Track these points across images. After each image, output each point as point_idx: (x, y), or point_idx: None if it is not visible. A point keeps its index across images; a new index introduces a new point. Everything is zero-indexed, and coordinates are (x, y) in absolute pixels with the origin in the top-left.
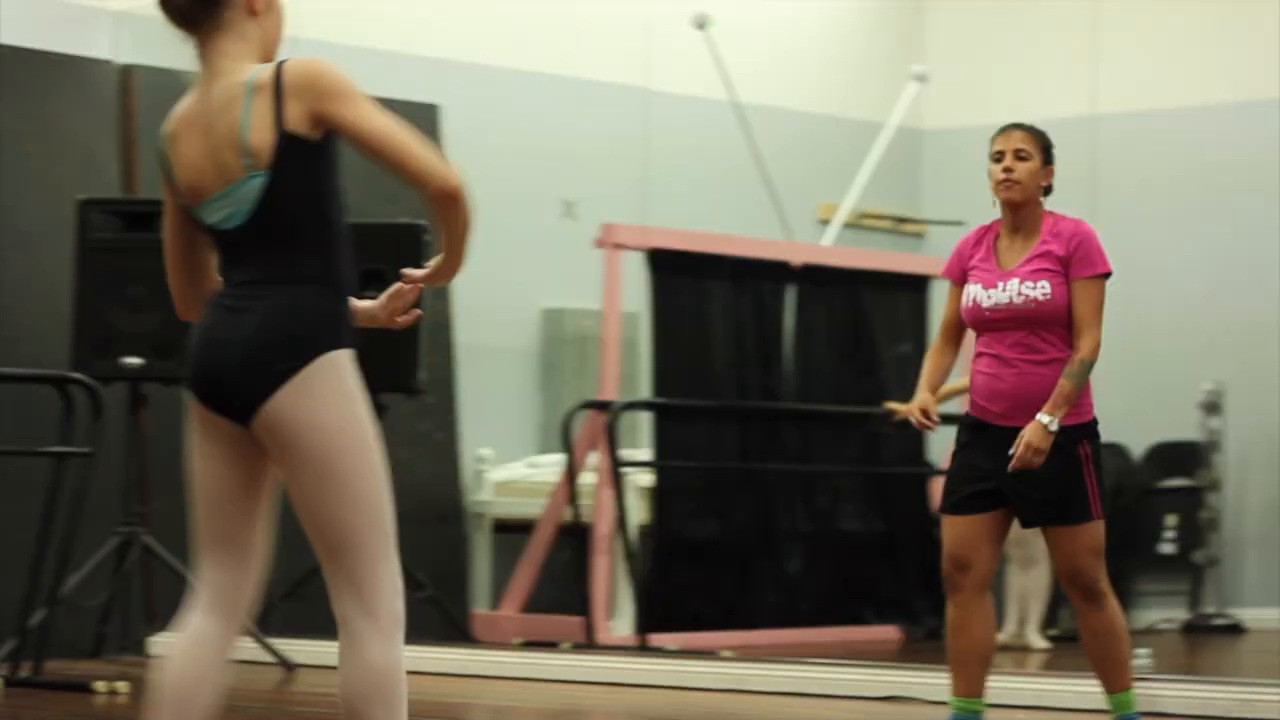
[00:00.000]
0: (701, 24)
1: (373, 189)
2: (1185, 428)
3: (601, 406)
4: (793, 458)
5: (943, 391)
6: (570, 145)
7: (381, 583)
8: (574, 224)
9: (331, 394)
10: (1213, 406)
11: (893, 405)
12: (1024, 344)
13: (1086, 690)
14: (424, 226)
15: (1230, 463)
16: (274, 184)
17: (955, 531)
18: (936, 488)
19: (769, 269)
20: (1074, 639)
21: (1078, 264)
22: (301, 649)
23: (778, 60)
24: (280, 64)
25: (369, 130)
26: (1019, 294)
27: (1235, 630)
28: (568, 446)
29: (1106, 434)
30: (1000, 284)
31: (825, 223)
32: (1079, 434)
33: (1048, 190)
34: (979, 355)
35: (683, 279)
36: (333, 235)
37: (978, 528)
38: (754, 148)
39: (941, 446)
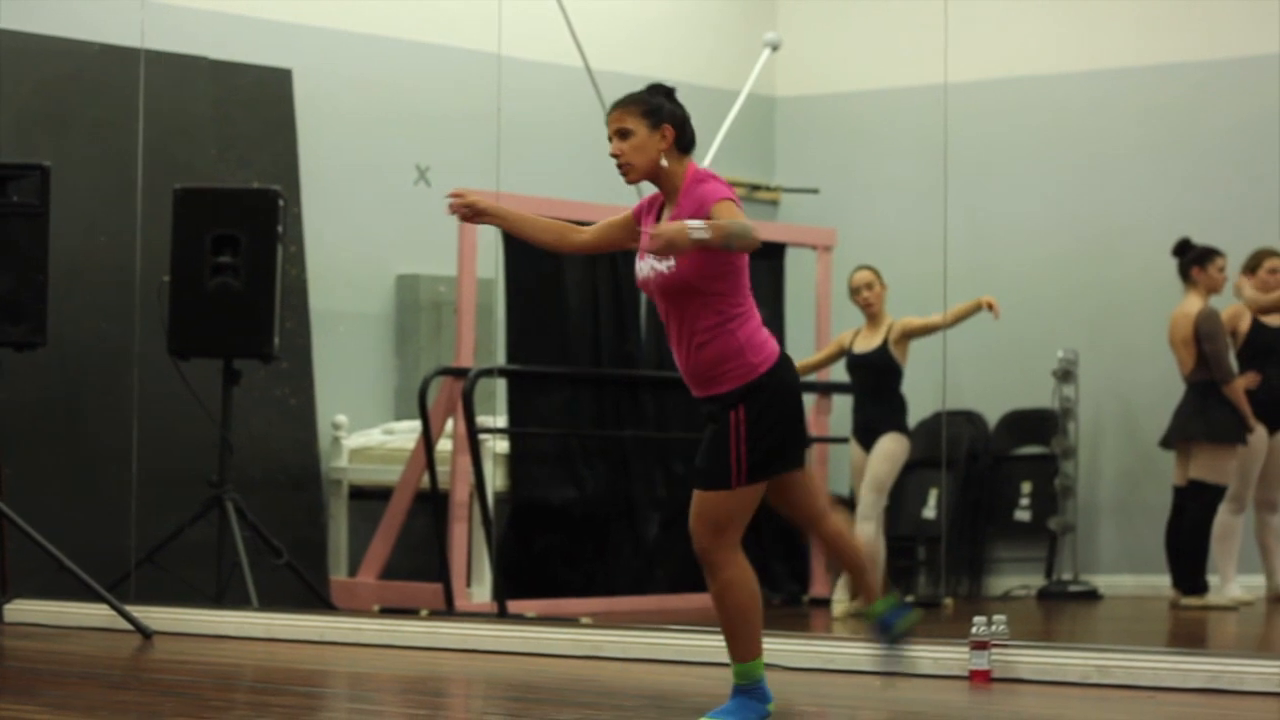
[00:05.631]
0: None
1: (226, 155)
2: (1039, 395)
3: (458, 373)
4: (649, 424)
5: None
6: (423, 111)
7: None
8: (428, 190)
9: None
10: (1066, 374)
11: None
12: (678, 320)
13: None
14: (278, 192)
15: (1084, 430)
16: None
17: None
18: None
19: None
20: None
21: (703, 211)
22: (159, 616)
23: (630, 27)
24: None
25: None
26: (651, 269)
27: (1091, 597)
28: (424, 413)
29: (961, 402)
30: (644, 257)
31: None
32: (737, 397)
33: (685, 147)
34: None
35: (538, 246)
36: None
37: None
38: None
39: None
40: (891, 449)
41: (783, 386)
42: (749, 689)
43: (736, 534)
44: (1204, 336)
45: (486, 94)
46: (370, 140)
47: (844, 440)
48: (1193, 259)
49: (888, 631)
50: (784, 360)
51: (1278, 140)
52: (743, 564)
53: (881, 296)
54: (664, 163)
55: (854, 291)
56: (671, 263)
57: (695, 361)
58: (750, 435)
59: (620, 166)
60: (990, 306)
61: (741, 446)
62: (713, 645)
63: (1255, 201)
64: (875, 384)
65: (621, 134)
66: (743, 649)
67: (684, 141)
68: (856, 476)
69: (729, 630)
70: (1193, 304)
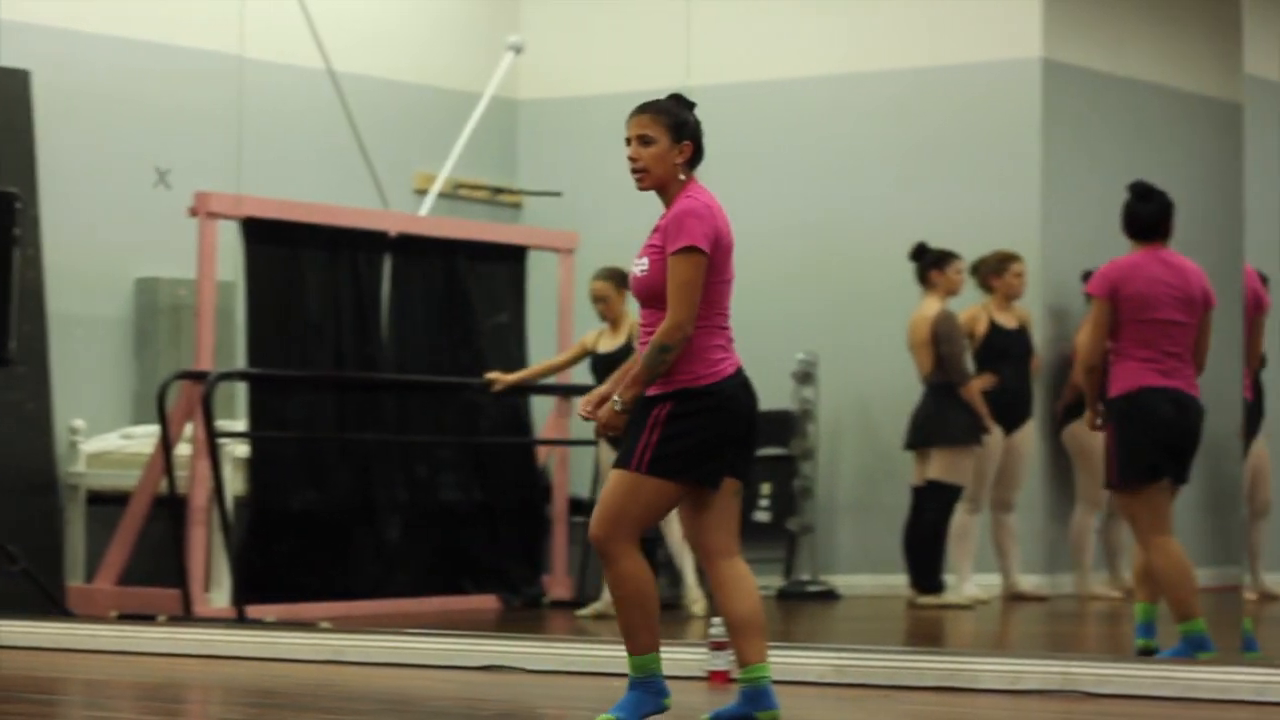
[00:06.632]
0: None
1: None
2: (779, 397)
3: (197, 377)
4: (391, 428)
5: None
6: (163, 112)
7: None
8: (168, 192)
9: None
10: (806, 376)
11: (493, 375)
12: (647, 323)
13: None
14: (15, 194)
15: (822, 432)
16: None
17: None
18: (541, 456)
19: (365, 239)
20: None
21: (669, 239)
22: None
23: (372, 28)
24: None
25: None
26: (631, 272)
27: (829, 596)
28: (163, 417)
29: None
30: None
31: (422, 193)
32: (669, 396)
33: (695, 163)
34: None
35: (278, 248)
36: None
37: None
38: (350, 117)
39: (540, 414)
40: None
41: (721, 404)
42: (644, 682)
43: (631, 529)
44: (941, 338)
45: (227, 95)
46: (110, 142)
47: (588, 443)
48: (930, 262)
49: (758, 704)
50: (734, 385)
51: (1018, 144)
52: (637, 558)
53: (619, 304)
54: (681, 176)
55: (592, 301)
56: (645, 266)
57: None
58: (665, 429)
59: (636, 172)
60: None
61: (653, 435)
62: (453, 649)
63: (993, 205)
64: None
65: (643, 140)
66: (636, 642)
67: (696, 158)
68: (604, 478)
69: (624, 622)
70: (931, 306)
